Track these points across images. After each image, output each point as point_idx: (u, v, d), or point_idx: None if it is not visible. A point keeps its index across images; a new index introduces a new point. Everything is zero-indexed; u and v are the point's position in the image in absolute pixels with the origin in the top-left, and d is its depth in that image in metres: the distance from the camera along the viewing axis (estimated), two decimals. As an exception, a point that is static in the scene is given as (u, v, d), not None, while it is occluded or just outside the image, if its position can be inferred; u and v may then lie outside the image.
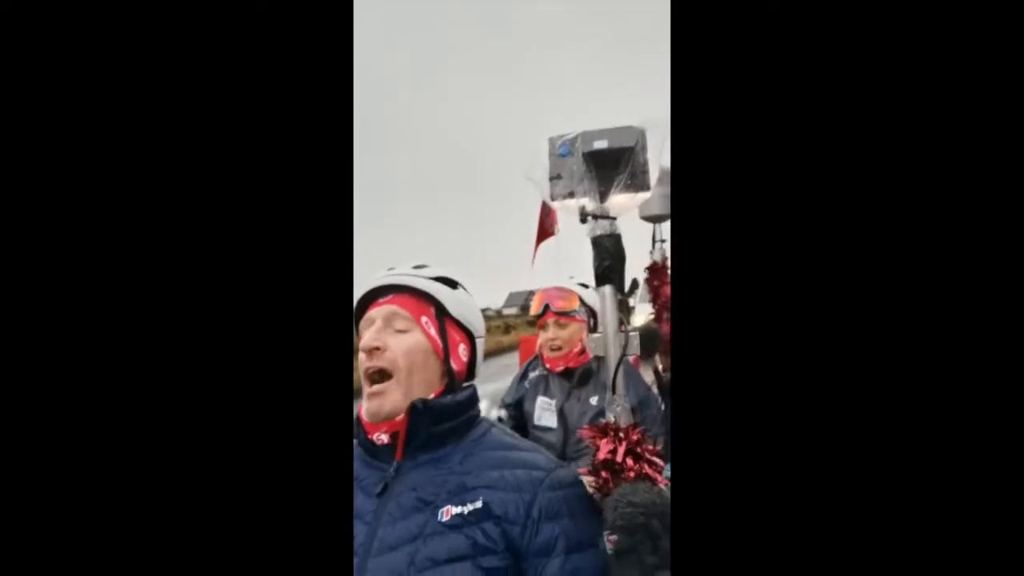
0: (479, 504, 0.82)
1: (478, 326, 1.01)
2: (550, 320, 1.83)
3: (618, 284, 0.98)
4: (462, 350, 0.98)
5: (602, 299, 0.99)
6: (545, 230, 3.07)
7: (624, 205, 0.99)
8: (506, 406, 1.94)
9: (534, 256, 2.92)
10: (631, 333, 0.96)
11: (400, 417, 0.88)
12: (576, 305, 1.83)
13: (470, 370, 1.00)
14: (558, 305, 1.82)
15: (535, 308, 1.88)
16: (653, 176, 0.98)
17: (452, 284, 0.99)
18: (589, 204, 0.99)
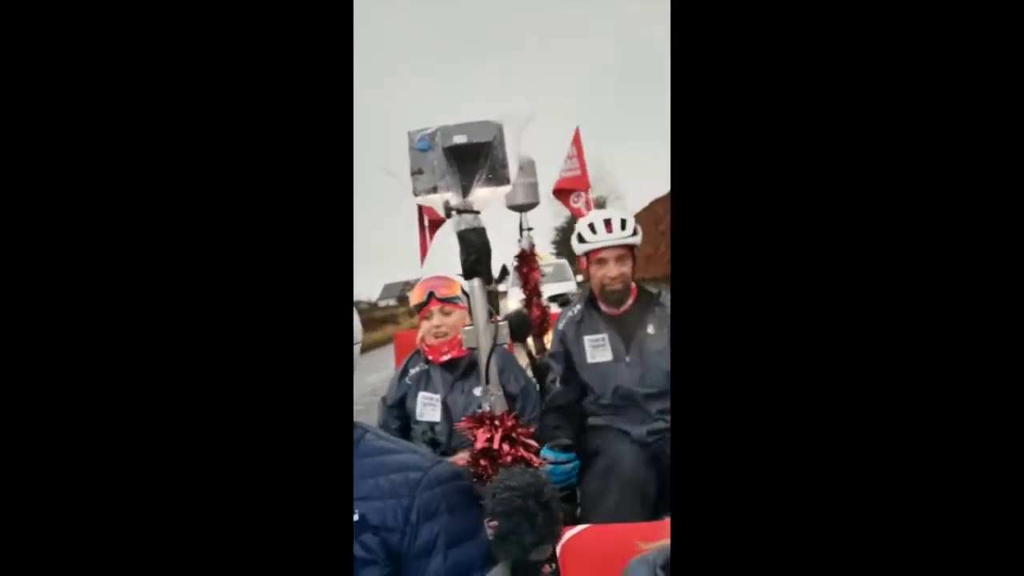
0: (355, 517, 0.79)
1: (355, 331, 0.96)
2: (434, 308, 1.79)
3: (485, 277, 0.98)
4: None
5: (471, 292, 0.98)
6: (432, 222, 3.00)
7: (487, 199, 0.99)
8: (389, 407, 1.88)
9: (423, 252, 2.85)
10: (500, 323, 0.97)
11: None
12: (459, 292, 1.82)
13: None
14: (442, 292, 1.79)
15: (418, 297, 1.83)
16: (513, 169, 0.99)
17: None
18: (452, 199, 0.97)
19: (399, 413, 1.86)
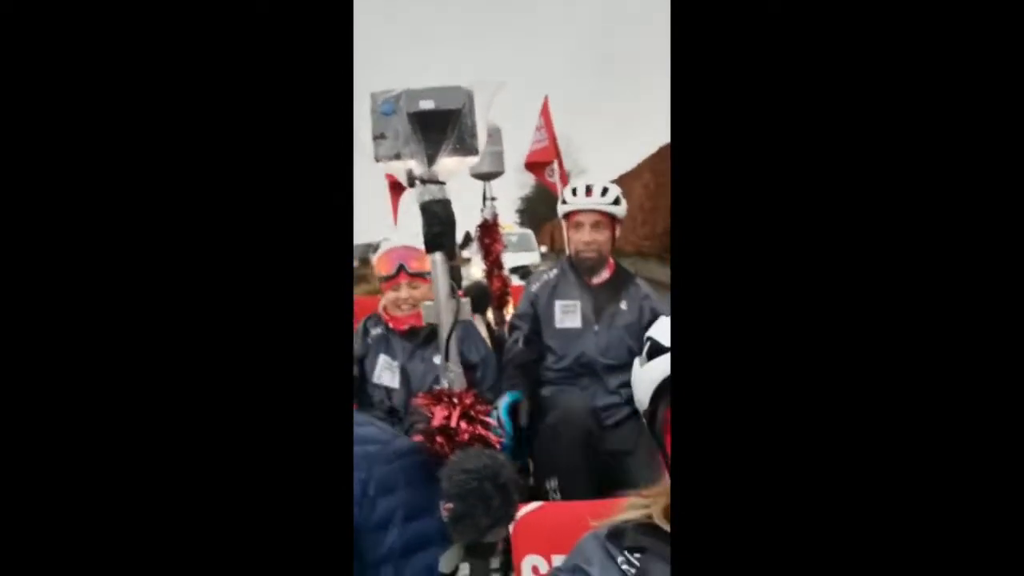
0: None
1: None
2: (403, 281, 1.73)
3: (448, 251, 0.94)
4: None
5: (433, 266, 0.94)
6: (393, 184, 2.88)
7: (453, 169, 0.94)
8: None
9: (395, 212, 2.74)
10: (463, 300, 0.94)
11: None
12: (428, 266, 1.76)
13: None
14: (413, 266, 1.72)
15: (385, 268, 1.76)
16: (481, 139, 0.94)
17: None
18: (417, 168, 0.91)
19: (356, 368, 1.81)
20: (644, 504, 0.67)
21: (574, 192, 1.85)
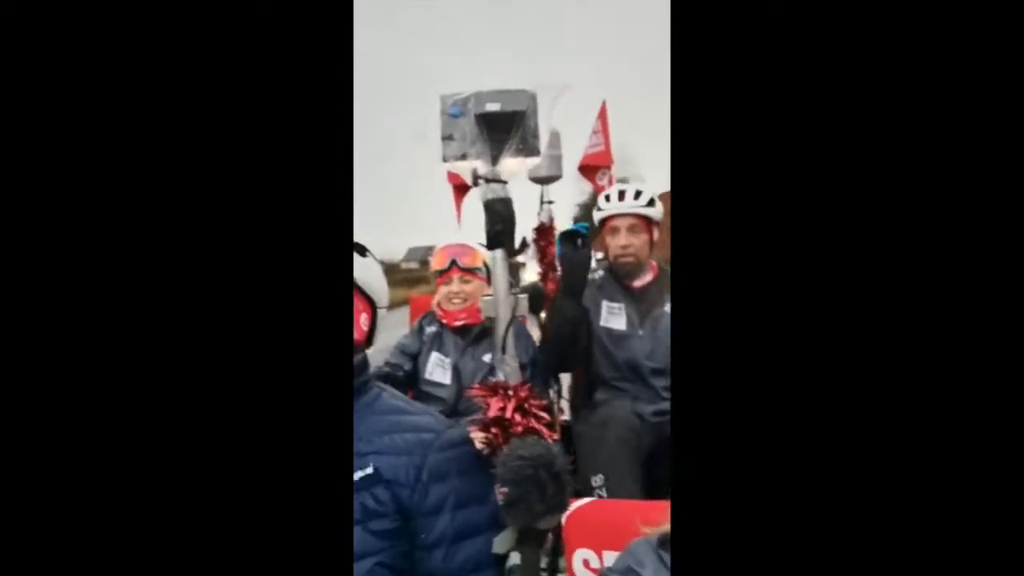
0: (369, 470, 0.80)
1: (381, 296, 0.97)
2: (455, 275, 1.80)
3: (508, 248, 0.96)
4: (364, 319, 0.93)
5: (493, 263, 0.97)
6: (456, 187, 2.95)
7: (515, 170, 0.97)
8: (402, 354, 1.89)
9: (459, 213, 2.81)
10: (520, 295, 0.96)
11: None
12: (480, 263, 1.81)
13: (368, 339, 0.95)
14: (464, 261, 1.79)
15: (439, 263, 1.83)
16: (543, 140, 0.96)
17: (362, 251, 0.93)
18: (481, 167, 0.95)
19: (411, 363, 1.87)
20: None
21: (607, 198, 1.84)
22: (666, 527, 0.66)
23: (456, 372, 1.78)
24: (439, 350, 1.83)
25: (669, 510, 0.68)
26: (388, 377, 1.81)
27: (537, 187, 2.37)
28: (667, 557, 0.62)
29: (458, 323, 1.80)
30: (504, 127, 0.92)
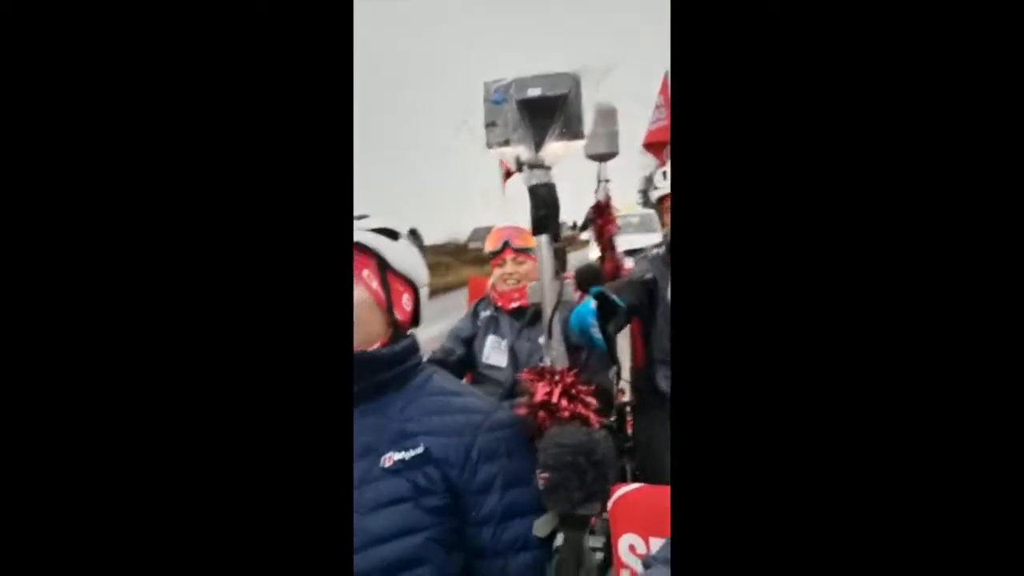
0: (420, 450, 0.83)
1: (421, 276, 0.98)
2: (508, 256, 1.81)
3: (553, 233, 0.96)
4: (406, 300, 0.96)
5: (538, 248, 0.97)
6: (506, 171, 2.95)
7: (559, 154, 0.95)
8: (456, 339, 1.93)
9: (504, 187, 2.82)
10: (566, 281, 0.96)
11: None
12: (534, 244, 1.81)
13: (414, 318, 0.98)
14: (518, 242, 1.80)
15: (493, 244, 1.85)
16: (587, 123, 0.94)
17: (393, 235, 0.95)
18: (524, 153, 0.94)
19: (464, 348, 1.90)
20: None
21: (664, 175, 1.77)
22: None
23: (512, 354, 1.80)
24: (495, 333, 1.86)
25: None
26: (441, 363, 1.85)
27: (594, 165, 2.32)
28: None
29: (513, 305, 1.81)
30: (546, 112, 0.91)
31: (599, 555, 0.96)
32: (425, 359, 0.98)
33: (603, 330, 1.22)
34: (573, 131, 0.93)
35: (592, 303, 1.13)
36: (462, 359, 1.91)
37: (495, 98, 0.94)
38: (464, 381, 1.82)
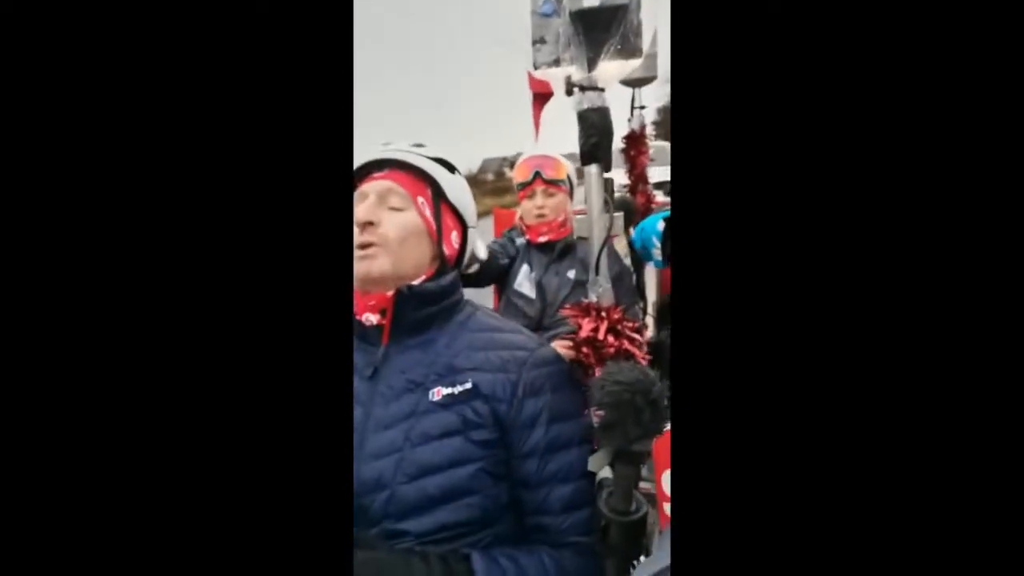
0: (468, 385, 0.83)
1: (471, 215, 0.96)
2: (539, 188, 1.72)
3: (605, 162, 0.89)
4: (454, 237, 0.93)
5: (587, 178, 0.91)
6: (542, 95, 2.76)
7: (614, 74, 0.87)
8: (505, 254, 1.85)
9: (536, 126, 2.67)
10: (615, 215, 0.91)
11: (388, 294, 0.84)
12: (565, 175, 1.72)
13: (459, 258, 0.95)
14: (549, 173, 1.70)
15: (522, 175, 1.75)
16: (647, 39, 0.85)
17: (451, 168, 0.92)
18: (576, 73, 0.86)
19: (508, 262, 1.83)
20: None
21: None
22: None
23: (540, 289, 1.77)
24: (529, 262, 1.81)
25: None
26: (491, 258, 1.76)
27: (625, 90, 2.19)
28: None
29: (542, 239, 1.76)
30: (603, 25, 0.82)
31: (649, 486, 0.97)
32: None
33: (663, 252, 1.21)
34: (631, 48, 0.84)
35: (660, 223, 1.11)
36: (504, 270, 1.82)
37: (544, 9, 0.85)
38: (491, 307, 1.80)
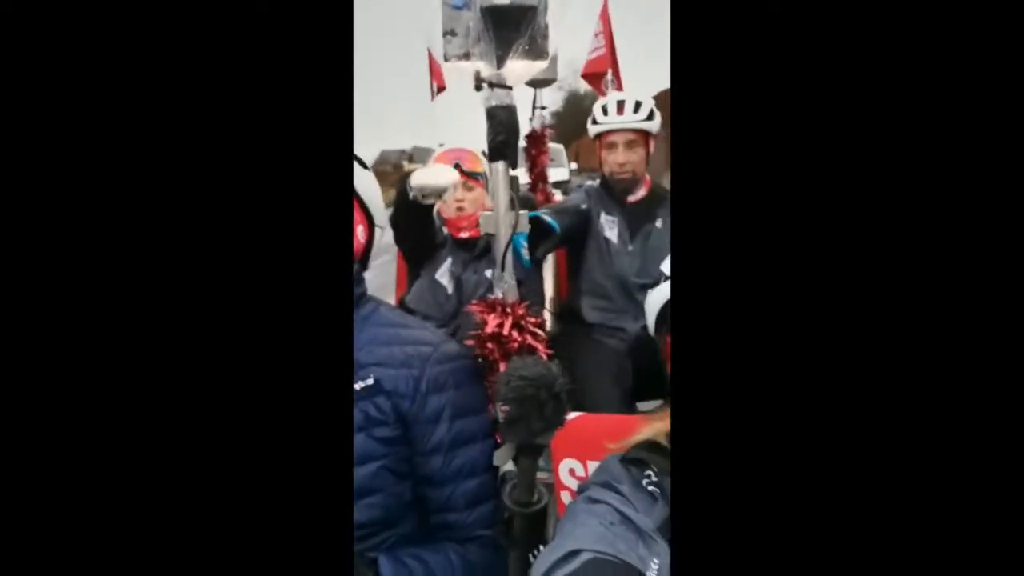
0: (371, 381, 0.80)
1: (380, 215, 0.92)
2: (458, 181, 1.69)
3: (511, 160, 0.90)
4: (360, 231, 0.89)
5: (493, 175, 0.91)
6: (438, 84, 2.73)
7: (521, 74, 0.88)
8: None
9: (435, 90, 2.61)
10: (521, 212, 0.92)
11: None
12: (481, 169, 1.70)
13: (364, 256, 0.91)
14: (468, 166, 1.66)
15: None
16: (552, 42, 0.87)
17: (363, 164, 0.90)
18: (485, 69, 0.86)
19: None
20: (658, 426, 0.67)
21: (604, 111, 1.73)
22: (630, 440, 0.67)
23: (459, 285, 1.73)
24: (451, 256, 1.76)
25: (636, 425, 0.69)
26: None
27: (527, 90, 2.23)
28: (637, 472, 0.64)
29: (463, 235, 1.73)
30: (513, 24, 0.82)
31: (548, 476, 1.00)
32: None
33: (531, 252, 1.26)
34: (538, 50, 0.85)
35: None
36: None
37: (456, 2, 0.83)
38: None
